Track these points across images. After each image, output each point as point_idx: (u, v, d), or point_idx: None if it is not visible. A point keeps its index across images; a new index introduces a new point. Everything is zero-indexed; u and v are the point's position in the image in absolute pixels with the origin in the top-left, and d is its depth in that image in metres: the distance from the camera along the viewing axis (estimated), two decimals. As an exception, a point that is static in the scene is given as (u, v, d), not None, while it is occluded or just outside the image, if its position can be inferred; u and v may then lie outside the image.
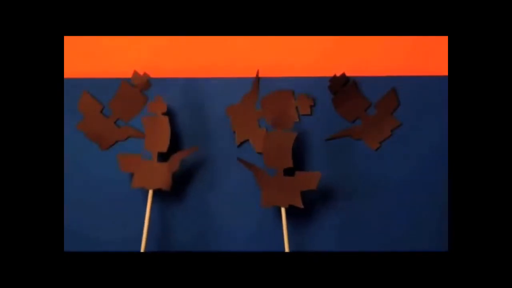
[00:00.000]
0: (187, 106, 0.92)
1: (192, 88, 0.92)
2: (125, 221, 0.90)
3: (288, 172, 0.86)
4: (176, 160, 0.86)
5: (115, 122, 0.92)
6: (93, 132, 0.92)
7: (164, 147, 0.87)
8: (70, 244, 0.87)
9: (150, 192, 0.86)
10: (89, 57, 0.96)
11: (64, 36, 0.86)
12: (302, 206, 0.84)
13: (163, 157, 0.87)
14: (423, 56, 0.94)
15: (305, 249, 0.89)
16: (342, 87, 0.91)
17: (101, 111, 0.93)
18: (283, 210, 0.84)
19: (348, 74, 0.91)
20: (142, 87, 0.92)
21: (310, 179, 0.84)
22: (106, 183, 0.91)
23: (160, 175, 0.86)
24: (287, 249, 0.84)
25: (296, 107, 0.91)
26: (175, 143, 0.90)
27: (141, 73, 0.93)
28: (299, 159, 0.90)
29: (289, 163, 0.85)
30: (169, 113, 0.90)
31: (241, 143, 0.91)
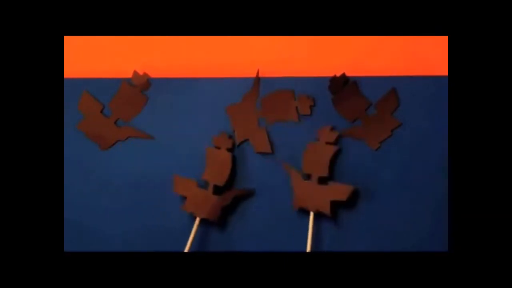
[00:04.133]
0: (187, 106, 0.92)
1: (192, 88, 0.92)
2: (125, 221, 0.90)
3: (323, 180, 0.87)
4: (230, 197, 0.88)
5: (115, 122, 0.92)
6: (93, 132, 0.92)
7: (222, 181, 0.88)
8: (70, 244, 0.87)
9: (198, 220, 0.86)
10: (89, 57, 0.96)
11: (64, 36, 0.86)
12: (330, 214, 0.85)
13: (217, 189, 0.88)
14: (423, 56, 0.94)
15: (304, 249, 0.89)
16: (342, 87, 0.91)
17: (101, 111, 0.93)
18: (311, 214, 0.86)
19: (348, 74, 0.91)
20: (142, 87, 0.93)
21: (342, 191, 0.86)
22: (106, 183, 0.91)
23: (211, 206, 0.87)
24: (309, 249, 0.85)
25: (296, 107, 0.91)
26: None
27: (141, 73, 0.93)
28: (300, 159, 0.90)
29: (325, 172, 0.87)
30: (170, 114, 0.90)
31: (241, 143, 0.91)
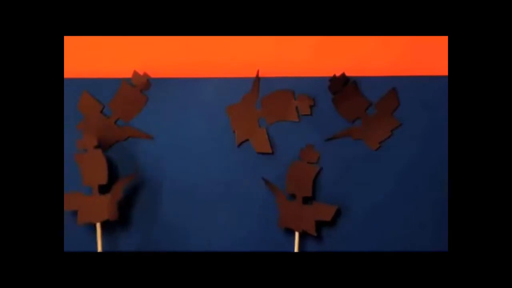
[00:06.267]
0: (187, 106, 0.92)
1: (192, 88, 0.92)
2: (124, 221, 0.90)
3: (306, 200, 0.88)
4: (118, 189, 0.87)
5: (115, 122, 0.92)
6: (93, 132, 0.92)
7: (103, 179, 0.87)
8: (70, 244, 0.87)
9: (98, 225, 0.86)
10: (89, 57, 0.96)
11: (64, 36, 0.86)
12: (315, 234, 0.87)
13: (103, 188, 0.88)
14: (423, 56, 0.94)
15: (305, 249, 0.89)
16: (342, 87, 0.91)
17: (101, 111, 0.93)
18: (296, 234, 0.87)
19: (348, 74, 0.91)
20: (142, 87, 0.93)
21: (326, 211, 0.88)
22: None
23: (104, 207, 0.86)
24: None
25: (296, 107, 0.91)
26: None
27: (141, 73, 0.93)
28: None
29: (308, 193, 0.88)
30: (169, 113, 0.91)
31: (241, 143, 0.91)
